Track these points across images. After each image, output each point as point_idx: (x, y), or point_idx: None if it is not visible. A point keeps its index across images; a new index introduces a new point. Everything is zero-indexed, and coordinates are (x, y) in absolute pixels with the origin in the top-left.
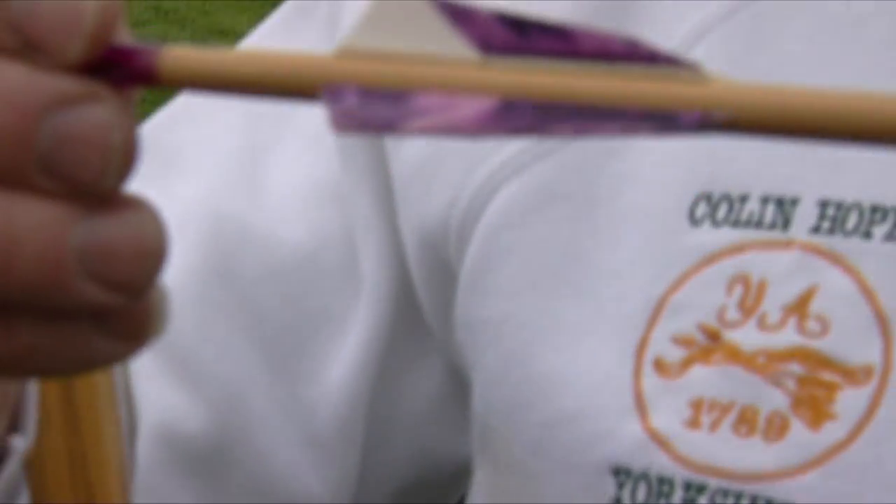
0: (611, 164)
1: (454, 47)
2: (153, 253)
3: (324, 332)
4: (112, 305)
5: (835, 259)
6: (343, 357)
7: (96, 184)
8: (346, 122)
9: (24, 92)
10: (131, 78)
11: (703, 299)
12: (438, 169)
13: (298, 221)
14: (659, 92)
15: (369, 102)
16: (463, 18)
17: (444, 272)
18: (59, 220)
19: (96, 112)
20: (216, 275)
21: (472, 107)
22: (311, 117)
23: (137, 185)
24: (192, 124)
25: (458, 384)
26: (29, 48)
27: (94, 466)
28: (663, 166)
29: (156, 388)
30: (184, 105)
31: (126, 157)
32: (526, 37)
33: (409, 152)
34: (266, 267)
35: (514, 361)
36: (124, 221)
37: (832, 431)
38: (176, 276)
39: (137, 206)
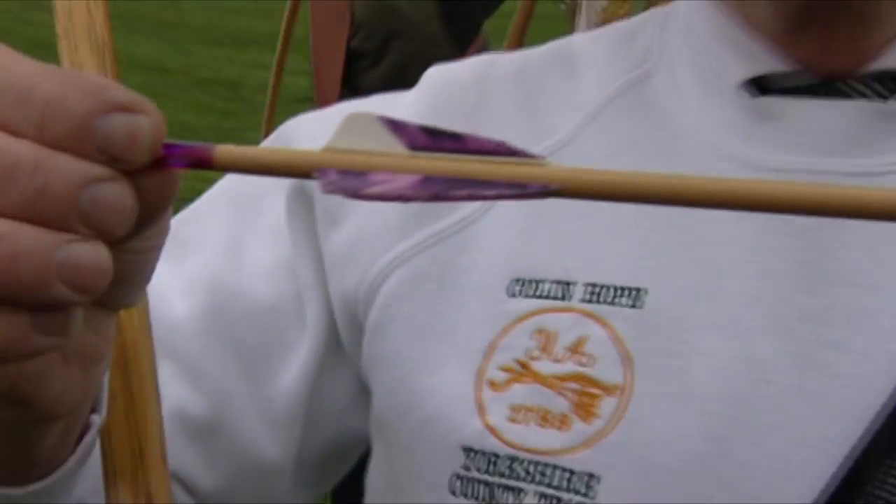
0: (461, 258)
1: (393, 146)
2: (105, 271)
3: (280, 353)
4: (77, 302)
5: (597, 319)
6: (292, 369)
7: (114, 232)
8: (331, 188)
9: (71, 172)
10: (197, 165)
11: (518, 344)
12: (353, 257)
13: (265, 285)
14: (517, 171)
15: (344, 177)
16: (398, 129)
17: (356, 326)
18: (49, 244)
19: (115, 187)
20: (212, 317)
21: (406, 180)
22: (273, 216)
23: (161, 262)
24: (197, 221)
25: (364, 390)
26: (112, 162)
27: (140, 406)
28: (491, 259)
29: (171, 384)
30: (192, 209)
31: (132, 217)
32: (436, 140)
33: (336, 242)
34: (244, 312)
35: (399, 382)
36: (89, 248)
37: (597, 425)
38: (189, 318)
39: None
